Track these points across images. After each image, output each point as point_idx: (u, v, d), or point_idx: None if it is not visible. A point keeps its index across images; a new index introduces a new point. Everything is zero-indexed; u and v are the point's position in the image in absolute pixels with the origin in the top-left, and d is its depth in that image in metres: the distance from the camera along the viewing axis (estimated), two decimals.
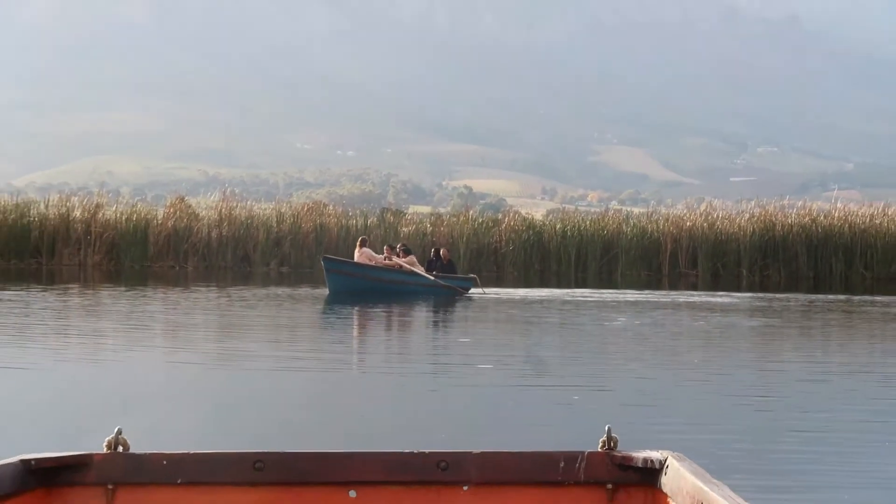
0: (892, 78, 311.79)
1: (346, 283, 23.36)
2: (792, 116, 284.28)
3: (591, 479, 3.64)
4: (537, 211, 49.24)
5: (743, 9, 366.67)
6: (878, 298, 25.31)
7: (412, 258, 24.36)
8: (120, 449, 3.57)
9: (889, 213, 36.14)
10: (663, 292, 26.70)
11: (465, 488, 3.64)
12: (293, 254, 34.07)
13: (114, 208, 34.97)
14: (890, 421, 9.54)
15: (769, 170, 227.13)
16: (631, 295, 25.06)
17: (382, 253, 24.66)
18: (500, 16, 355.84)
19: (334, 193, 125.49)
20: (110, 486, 3.53)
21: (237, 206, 36.01)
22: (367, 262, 23.97)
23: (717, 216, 36.15)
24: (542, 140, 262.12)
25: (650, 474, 3.59)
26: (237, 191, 55.18)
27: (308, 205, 37.86)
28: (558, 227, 35.81)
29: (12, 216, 32.71)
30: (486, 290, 24.26)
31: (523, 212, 41.90)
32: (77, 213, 33.19)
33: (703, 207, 38.27)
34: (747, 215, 36.16)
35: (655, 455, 3.60)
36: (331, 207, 38.51)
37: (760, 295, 26.06)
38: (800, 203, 41.38)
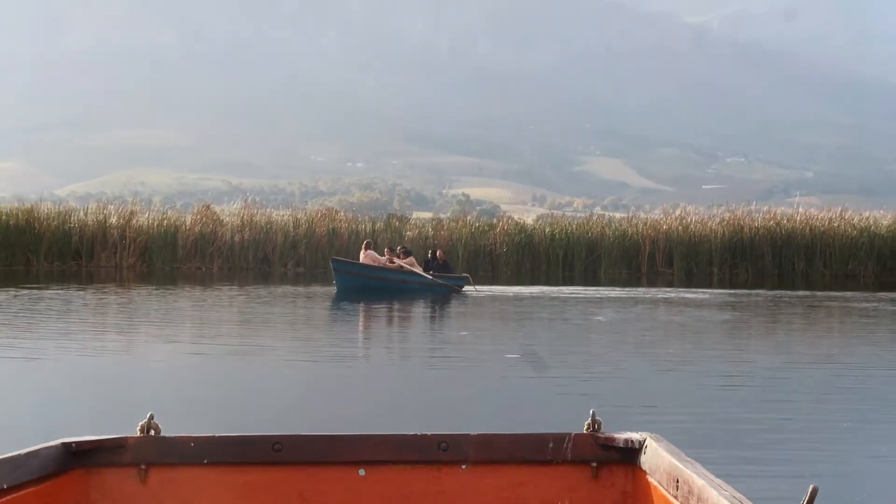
0: (848, 95, 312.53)
1: (353, 281, 23.38)
2: (757, 130, 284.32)
3: (577, 459, 3.63)
4: (528, 216, 49.09)
5: (712, 33, 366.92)
6: (837, 294, 25.28)
7: (412, 259, 24.37)
8: (152, 432, 3.56)
9: (846, 216, 36.17)
10: (643, 289, 26.66)
11: (464, 467, 3.64)
12: (308, 255, 34.03)
13: (146, 215, 34.98)
14: (847, 404, 9.55)
15: (737, 178, 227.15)
16: (613, 292, 25.04)
17: (385, 255, 24.68)
18: (495, 42, 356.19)
19: (345, 201, 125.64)
20: (143, 466, 3.52)
21: (257, 212, 35.98)
22: (372, 262, 24.01)
23: (691, 220, 36.11)
24: (532, 152, 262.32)
25: (631, 454, 3.58)
26: (258, 199, 55.24)
27: (321, 211, 37.81)
28: (547, 230, 35.78)
29: (55, 223, 32.74)
30: (479, 287, 24.24)
31: (516, 217, 41.79)
32: (113, 220, 33.19)
33: (677, 212, 38.18)
34: (718, 219, 36.11)
35: (635, 436, 3.60)
36: (342, 214, 38.49)
37: (730, 291, 26.03)
38: (765, 208, 41.38)
